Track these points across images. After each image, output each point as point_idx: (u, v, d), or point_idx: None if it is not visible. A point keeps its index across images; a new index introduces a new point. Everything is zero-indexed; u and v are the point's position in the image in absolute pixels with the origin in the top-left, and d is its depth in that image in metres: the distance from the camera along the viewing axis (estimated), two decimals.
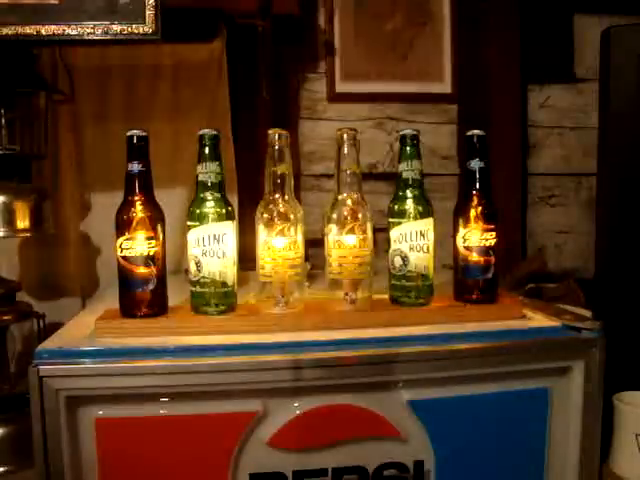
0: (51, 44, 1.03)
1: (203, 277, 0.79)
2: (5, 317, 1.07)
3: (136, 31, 0.93)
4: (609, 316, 0.85)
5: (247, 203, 1.19)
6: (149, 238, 0.78)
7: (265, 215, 0.81)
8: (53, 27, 0.92)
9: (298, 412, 0.75)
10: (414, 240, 0.83)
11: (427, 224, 0.84)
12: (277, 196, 0.82)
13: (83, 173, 1.30)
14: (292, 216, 0.81)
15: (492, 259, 0.85)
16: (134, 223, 0.77)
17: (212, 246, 0.78)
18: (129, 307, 0.79)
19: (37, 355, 0.71)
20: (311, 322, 0.81)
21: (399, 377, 0.77)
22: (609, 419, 0.88)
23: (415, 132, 0.85)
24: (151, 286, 0.78)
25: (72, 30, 0.92)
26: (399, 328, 0.80)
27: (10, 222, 1.04)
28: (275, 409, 0.75)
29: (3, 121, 1.05)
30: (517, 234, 1.46)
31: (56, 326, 0.92)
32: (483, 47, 1.41)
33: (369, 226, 0.83)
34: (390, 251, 0.85)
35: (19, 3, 0.91)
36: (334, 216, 0.83)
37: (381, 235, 0.89)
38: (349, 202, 0.83)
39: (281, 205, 0.81)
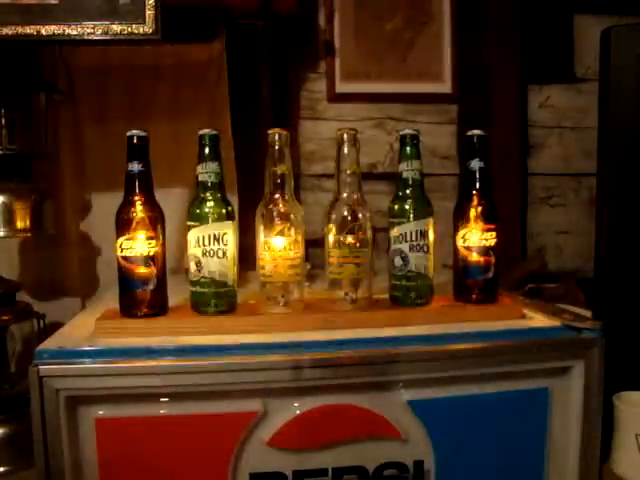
0: (51, 44, 1.03)
1: (203, 277, 0.79)
2: (5, 317, 1.07)
3: (136, 31, 0.93)
4: (609, 316, 0.85)
5: (247, 203, 1.19)
6: (149, 238, 0.78)
7: (265, 215, 0.81)
8: (53, 27, 0.92)
9: (298, 412, 0.75)
10: (414, 240, 0.83)
11: (427, 224, 0.84)
12: (277, 196, 0.82)
13: (83, 173, 1.30)
14: (292, 216, 0.81)
15: (492, 259, 0.85)
16: (134, 223, 0.78)
17: (212, 246, 0.78)
18: (129, 307, 0.79)
19: (37, 355, 0.71)
20: (311, 322, 0.81)
21: (399, 377, 0.77)
22: (609, 419, 0.88)
23: (415, 132, 0.85)
24: (151, 286, 0.78)
25: (72, 30, 0.92)
26: (399, 328, 0.80)
27: (10, 222, 1.04)
28: (275, 409, 0.75)
29: (3, 121, 1.05)
30: (517, 234, 1.46)
31: (56, 326, 0.92)
32: (483, 47, 1.41)
33: (369, 226, 0.83)
34: (390, 251, 0.85)
35: (19, 3, 0.91)
36: (334, 216, 0.83)
37: (381, 235, 0.89)
38: (349, 202, 0.83)
39: (281, 205, 0.81)
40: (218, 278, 0.79)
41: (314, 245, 1.06)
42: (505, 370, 0.79)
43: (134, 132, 0.78)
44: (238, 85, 1.32)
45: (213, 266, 0.78)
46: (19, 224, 1.05)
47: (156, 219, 0.79)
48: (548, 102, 1.48)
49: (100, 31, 0.93)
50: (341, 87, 1.41)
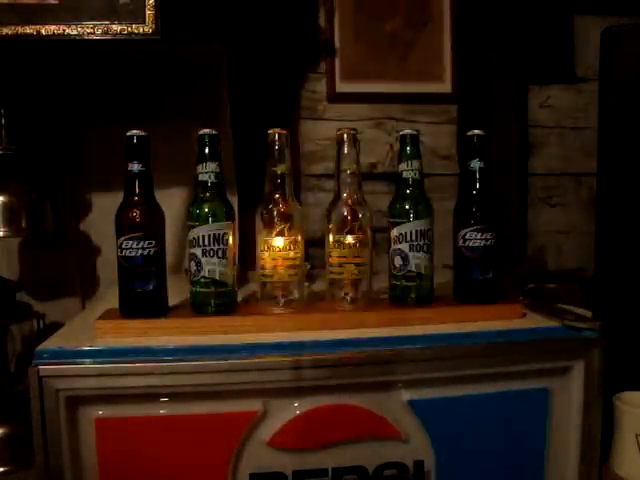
0: (51, 44, 1.03)
1: (203, 277, 0.79)
2: (5, 317, 1.07)
3: (136, 31, 0.93)
4: (609, 316, 0.85)
5: (247, 203, 1.19)
6: (149, 238, 0.78)
7: (265, 215, 0.81)
8: (53, 27, 0.92)
9: (298, 412, 0.75)
10: (414, 240, 0.83)
11: (427, 224, 0.84)
12: (277, 196, 0.82)
13: (83, 173, 1.30)
14: (292, 216, 0.81)
15: (492, 259, 0.85)
16: (134, 223, 0.77)
17: (212, 246, 0.78)
18: (129, 307, 0.79)
19: (37, 355, 0.71)
20: (311, 322, 0.80)
21: (399, 377, 0.77)
22: (609, 419, 0.88)
23: (415, 132, 0.85)
24: (151, 286, 0.78)
25: (72, 30, 0.92)
26: (399, 328, 0.80)
27: (10, 222, 1.04)
28: (275, 409, 0.75)
29: (3, 121, 1.05)
30: (517, 234, 1.46)
31: (56, 326, 0.92)
32: (483, 47, 1.41)
33: (369, 226, 0.83)
34: (390, 251, 0.85)
35: (19, 3, 0.91)
36: (334, 216, 0.83)
37: (381, 235, 0.89)
38: (349, 202, 0.83)
39: (281, 205, 0.81)
40: (218, 278, 0.79)
41: (314, 245, 1.06)
42: (505, 370, 0.79)
43: (134, 132, 0.78)
44: (238, 85, 1.32)
45: (213, 266, 0.78)
46: (19, 224, 1.05)
47: (156, 219, 0.79)
48: (548, 102, 1.48)
49: (100, 31, 0.93)
50: (341, 87, 1.41)
